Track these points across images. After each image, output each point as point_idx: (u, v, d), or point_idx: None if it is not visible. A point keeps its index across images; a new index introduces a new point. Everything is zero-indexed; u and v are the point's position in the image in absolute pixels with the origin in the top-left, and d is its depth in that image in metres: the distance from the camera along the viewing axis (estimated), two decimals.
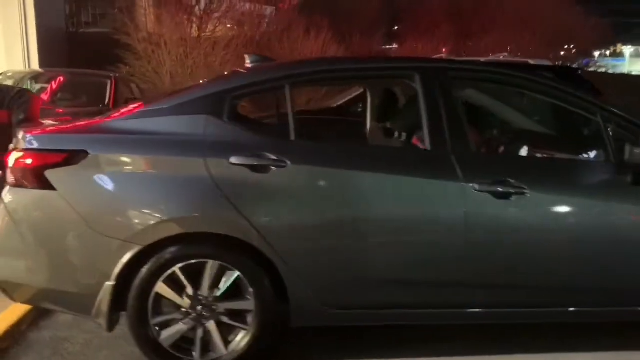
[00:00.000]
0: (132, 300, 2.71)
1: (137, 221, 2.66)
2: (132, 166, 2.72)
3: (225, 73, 3.55)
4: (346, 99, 7.12)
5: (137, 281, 2.69)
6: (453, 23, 18.01)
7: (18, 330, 3.28)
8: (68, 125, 2.90)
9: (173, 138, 2.76)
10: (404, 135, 3.30)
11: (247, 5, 15.20)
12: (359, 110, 6.81)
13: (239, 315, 2.80)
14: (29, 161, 2.70)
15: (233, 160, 2.72)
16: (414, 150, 2.94)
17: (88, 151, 2.69)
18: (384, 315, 2.90)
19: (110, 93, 7.56)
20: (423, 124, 2.91)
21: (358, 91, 7.13)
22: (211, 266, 2.73)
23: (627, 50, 58.06)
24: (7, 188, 2.76)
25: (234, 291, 2.77)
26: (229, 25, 15.32)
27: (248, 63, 3.62)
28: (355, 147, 3.01)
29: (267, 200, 2.73)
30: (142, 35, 11.82)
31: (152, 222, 2.66)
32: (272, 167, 2.73)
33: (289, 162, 2.73)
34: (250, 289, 2.76)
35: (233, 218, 2.69)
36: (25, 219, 2.72)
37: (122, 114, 2.91)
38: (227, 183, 2.71)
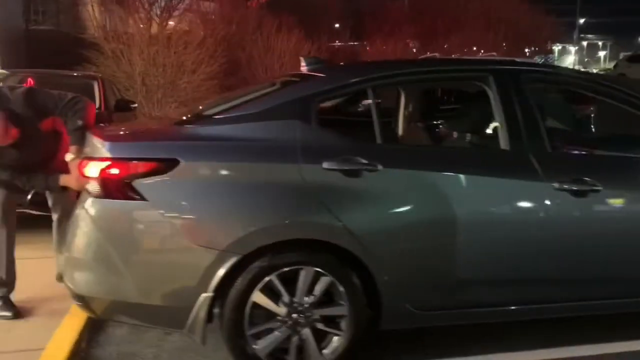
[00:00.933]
0: (228, 311, 2.64)
1: (234, 230, 2.59)
2: (225, 174, 2.65)
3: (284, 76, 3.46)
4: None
5: (234, 291, 2.63)
6: (417, 23, 18.31)
7: (80, 348, 3.13)
8: (151, 132, 2.77)
9: (265, 144, 2.71)
10: (467, 135, 3.36)
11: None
12: (359, 109, 6.85)
13: (331, 321, 2.78)
14: (116, 171, 2.58)
15: (326, 165, 2.69)
16: (495, 151, 3.00)
17: (179, 159, 2.59)
18: (469, 314, 2.95)
19: (100, 96, 7.14)
20: (500, 124, 2.97)
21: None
22: (306, 273, 2.70)
23: (556, 47, 60.94)
24: (90, 199, 2.63)
25: (326, 297, 2.75)
26: (184, 24, 15.03)
27: (303, 65, 3.60)
28: (438, 148, 3.04)
29: (361, 205, 2.72)
30: (111, 33, 11.38)
31: (250, 231, 2.59)
32: (365, 171, 2.73)
33: (380, 166, 2.73)
34: (344, 294, 2.74)
35: (329, 224, 2.66)
36: (113, 232, 2.60)
37: (209, 119, 2.83)
38: (322, 189, 2.68)
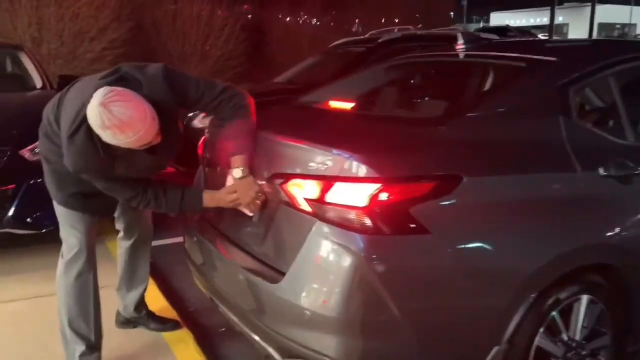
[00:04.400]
0: None
1: (533, 261, 2.02)
2: (511, 190, 2.04)
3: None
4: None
5: (520, 337, 2.08)
6: None
7: None
8: (412, 140, 2.04)
9: (540, 149, 2.15)
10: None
11: None
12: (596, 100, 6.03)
13: (595, 354, 2.36)
14: (389, 196, 1.86)
15: (602, 172, 2.23)
16: None
17: (462, 175, 1.95)
18: None
19: (38, 71, 5.61)
20: None
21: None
22: (581, 303, 2.24)
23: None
24: (353, 236, 1.86)
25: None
26: None
27: (460, 44, 3.04)
28: None
29: (635, 218, 2.30)
30: None
31: (549, 260, 2.04)
32: (635, 177, 2.31)
33: None
34: (609, 321, 2.34)
35: (612, 243, 2.22)
36: (390, 279, 1.87)
37: (461, 119, 2.17)
38: (602, 201, 2.22)
